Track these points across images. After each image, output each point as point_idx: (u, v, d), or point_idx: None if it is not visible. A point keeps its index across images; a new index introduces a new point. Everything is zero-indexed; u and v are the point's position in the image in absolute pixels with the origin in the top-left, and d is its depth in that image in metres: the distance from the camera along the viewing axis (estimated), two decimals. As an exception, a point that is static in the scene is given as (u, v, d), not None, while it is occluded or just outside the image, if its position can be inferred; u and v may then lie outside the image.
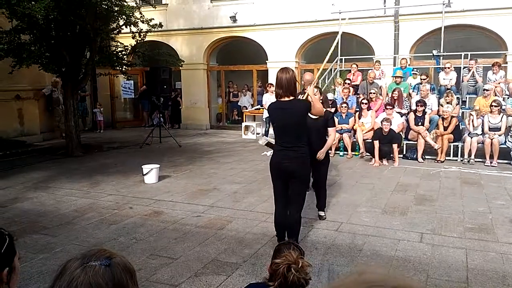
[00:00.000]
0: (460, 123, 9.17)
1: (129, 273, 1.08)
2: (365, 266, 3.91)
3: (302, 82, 6.85)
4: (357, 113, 9.93)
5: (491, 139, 8.42)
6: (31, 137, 11.77)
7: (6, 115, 11.40)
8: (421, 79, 10.37)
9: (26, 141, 11.27)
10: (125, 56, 11.43)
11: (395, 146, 8.70)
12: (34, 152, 10.42)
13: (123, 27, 10.43)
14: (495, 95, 9.50)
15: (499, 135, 8.52)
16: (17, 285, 1.32)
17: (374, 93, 10.03)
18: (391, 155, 8.87)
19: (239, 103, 15.86)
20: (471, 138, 8.65)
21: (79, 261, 1.05)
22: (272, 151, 4.45)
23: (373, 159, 8.74)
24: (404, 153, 9.32)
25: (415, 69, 11.18)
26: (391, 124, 8.82)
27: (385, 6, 12.33)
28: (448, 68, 10.50)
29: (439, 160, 8.81)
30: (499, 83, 9.93)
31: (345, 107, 9.79)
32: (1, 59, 8.99)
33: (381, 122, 8.84)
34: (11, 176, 7.91)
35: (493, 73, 10.14)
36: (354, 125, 9.73)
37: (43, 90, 12.52)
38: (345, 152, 9.73)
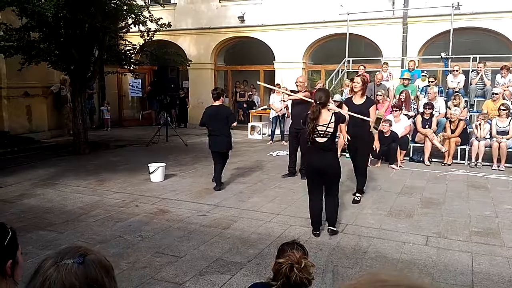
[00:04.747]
0: (467, 126, 9.11)
1: (105, 269, 1.06)
2: (378, 268, 3.92)
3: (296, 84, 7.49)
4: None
5: (499, 143, 8.36)
6: (39, 134, 11.87)
7: (15, 112, 11.50)
8: (429, 82, 10.32)
9: (34, 138, 11.37)
10: (133, 55, 11.49)
11: (397, 146, 8.65)
12: (42, 149, 10.51)
13: (132, 26, 10.47)
14: (504, 99, 9.43)
15: (507, 139, 8.46)
16: (20, 278, 1.33)
17: (381, 95, 9.98)
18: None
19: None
20: (479, 141, 8.59)
21: (52, 259, 1.03)
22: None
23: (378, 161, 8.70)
24: (411, 155, 9.27)
25: (424, 72, 11.12)
26: (391, 125, 8.77)
27: (393, 8, 12.28)
28: (457, 71, 10.43)
29: (446, 163, 8.76)
30: (507, 87, 9.85)
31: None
32: (11, 56, 9.08)
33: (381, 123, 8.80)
34: (19, 172, 7.98)
35: (502, 76, 10.06)
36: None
37: (52, 88, 12.61)
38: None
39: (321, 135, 4.68)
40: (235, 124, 6.91)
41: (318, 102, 4.67)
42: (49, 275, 1.00)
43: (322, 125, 4.65)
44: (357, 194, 6.20)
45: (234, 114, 7.36)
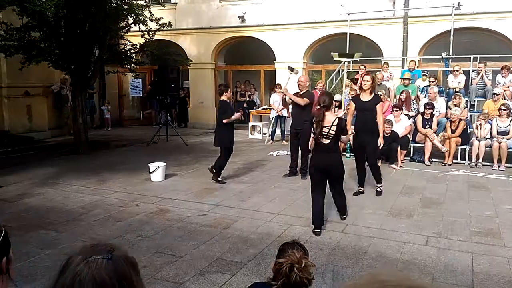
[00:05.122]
0: (468, 126, 9.11)
1: (132, 264, 1.09)
2: (378, 268, 3.92)
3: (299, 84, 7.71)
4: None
5: (499, 143, 8.36)
6: (39, 133, 11.87)
7: (15, 111, 11.50)
8: (429, 82, 10.31)
9: (34, 137, 11.37)
10: (133, 55, 11.49)
11: (398, 146, 8.65)
12: (42, 149, 10.51)
13: (132, 25, 10.48)
14: (504, 99, 9.43)
15: (508, 139, 8.46)
16: (14, 276, 1.35)
17: (381, 95, 9.97)
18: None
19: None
20: (479, 141, 8.59)
21: (81, 256, 1.04)
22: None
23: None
24: (411, 155, 9.27)
25: (425, 72, 11.12)
26: (392, 126, 8.77)
27: (394, 8, 12.28)
28: (457, 71, 10.43)
29: (446, 163, 8.76)
30: (508, 87, 9.84)
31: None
32: (12, 56, 9.08)
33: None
34: (19, 171, 7.97)
35: (502, 76, 10.05)
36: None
37: (52, 87, 12.61)
38: (352, 154, 9.69)
39: (325, 136, 4.84)
40: (225, 121, 6.98)
41: (322, 105, 4.88)
42: (79, 271, 1.01)
43: (326, 127, 4.83)
44: (377, 185, 6.53)
45: (232, 110, 7.47)
